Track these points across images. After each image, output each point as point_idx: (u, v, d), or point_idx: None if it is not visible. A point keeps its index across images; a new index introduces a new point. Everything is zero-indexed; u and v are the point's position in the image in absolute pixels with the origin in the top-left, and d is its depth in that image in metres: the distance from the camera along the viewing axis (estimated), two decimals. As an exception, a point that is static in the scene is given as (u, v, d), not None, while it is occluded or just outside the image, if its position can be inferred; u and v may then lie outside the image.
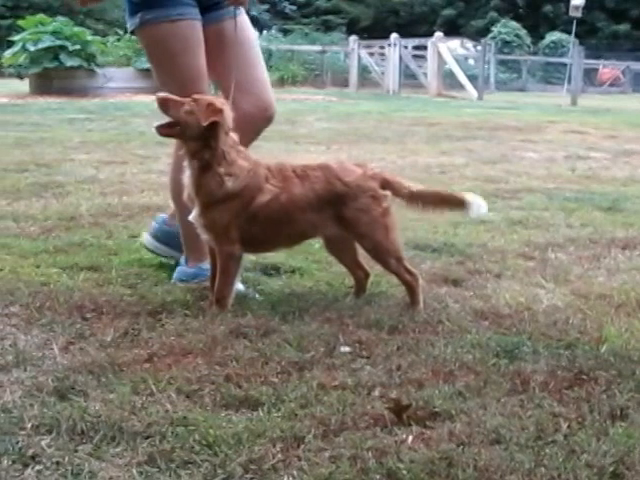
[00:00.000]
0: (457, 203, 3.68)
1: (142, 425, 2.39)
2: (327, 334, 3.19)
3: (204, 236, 3.57)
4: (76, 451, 2.26)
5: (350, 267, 3.84)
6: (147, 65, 18.99)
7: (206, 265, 3.79)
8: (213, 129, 3.39)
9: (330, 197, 3.54)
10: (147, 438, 2.33)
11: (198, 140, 3.42)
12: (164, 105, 3.46)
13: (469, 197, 3.68)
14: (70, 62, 17.68)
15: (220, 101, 3.51)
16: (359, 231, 3.59)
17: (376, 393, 2.68)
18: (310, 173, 3.56)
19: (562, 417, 2.52)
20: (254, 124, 3.83)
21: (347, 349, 3.07)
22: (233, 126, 3.48)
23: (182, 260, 4.03)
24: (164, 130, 3.49)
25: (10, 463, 2.18)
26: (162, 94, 3.50)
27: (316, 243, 4.17)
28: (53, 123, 11.88)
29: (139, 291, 3.73)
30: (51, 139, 9.77)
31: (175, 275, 3.98)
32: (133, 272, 4.06)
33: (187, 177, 3.51)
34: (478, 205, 3.67)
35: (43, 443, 2.28)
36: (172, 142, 3.80)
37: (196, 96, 3.49)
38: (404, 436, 2.39)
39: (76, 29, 18.74)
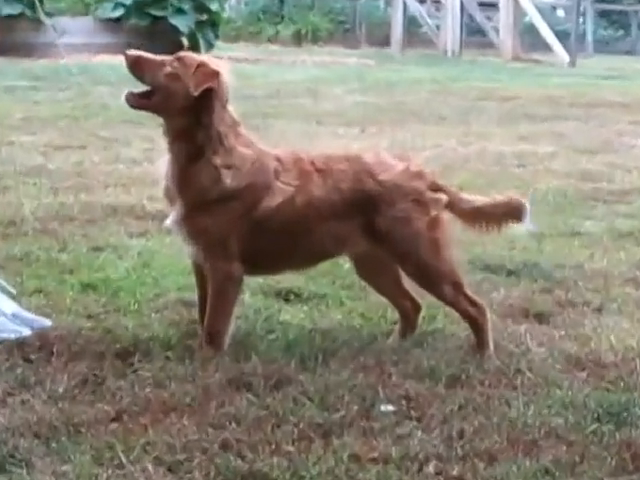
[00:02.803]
0: (517, 211, 3.70)
1: (107, 509, 2.41)
2: (362, 386, 3.20)
3: (189, 248, 3.56)
4: None
5: (392, 297, 3.82)
6: (114, 14, 18.85)
7: None
8: (206, 100, 3.39)
9: (359, 200, 3.54)
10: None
11: (185, 115, 3.41)
12: (137, 66, 3.45)
13: (525, 203, 3.71)
14: (8, 9, 17.77)
15: (214, 61, 3.50)
16: (397, 248, 3.58)
17: (430, 469, 2.68)
18: (334, 167, 3.55)
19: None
20: None
21: (390, 408, 3.07)
22: None
23: None
24: (138, 100, 3.49)
25: None
26: (133, 51, 3.49)
27: (345, 262, 4.17)
28: (-16, 92, 11.95)
29: (103, 324, 3.75)
30: (-18, 114, 9.83)
31: None
32: (95, 298, 4.08)
33: (167, 165, 3.51)
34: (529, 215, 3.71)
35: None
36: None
37: (182, 53, 3.48)
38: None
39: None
